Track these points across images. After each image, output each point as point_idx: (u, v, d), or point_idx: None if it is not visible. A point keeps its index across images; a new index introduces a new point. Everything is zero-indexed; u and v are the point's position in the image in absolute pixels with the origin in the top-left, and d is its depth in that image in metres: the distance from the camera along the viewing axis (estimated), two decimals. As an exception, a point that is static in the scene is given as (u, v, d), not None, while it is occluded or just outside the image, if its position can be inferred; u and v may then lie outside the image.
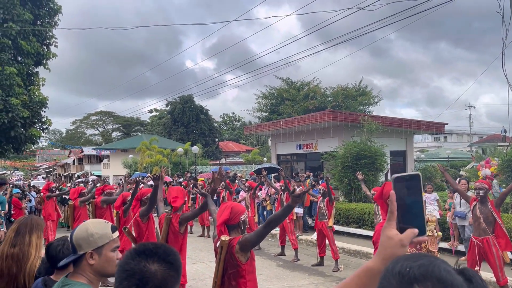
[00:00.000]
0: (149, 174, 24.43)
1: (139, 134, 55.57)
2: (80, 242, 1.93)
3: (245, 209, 3.62)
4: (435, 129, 18.59)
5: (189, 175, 20.44)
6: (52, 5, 15.87)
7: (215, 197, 9.78)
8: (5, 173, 45.71)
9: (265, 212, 13.93)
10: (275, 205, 12.33)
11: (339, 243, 9.96)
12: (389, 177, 10.61)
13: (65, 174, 53.63)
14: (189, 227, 11.48)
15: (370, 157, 13.29)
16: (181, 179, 19.15)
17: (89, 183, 21.47)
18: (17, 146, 15.45)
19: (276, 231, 11.15)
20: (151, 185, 5.66)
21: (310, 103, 29.29)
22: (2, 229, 8.68)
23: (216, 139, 46.85)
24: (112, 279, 1.59)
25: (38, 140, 17.14)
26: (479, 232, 6.25)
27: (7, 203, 9.92)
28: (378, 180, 13.93)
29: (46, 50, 16.00)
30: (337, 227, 10.97)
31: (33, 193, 16.89)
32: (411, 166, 17.82)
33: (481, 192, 6.27)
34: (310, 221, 13.39)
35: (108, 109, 69.94)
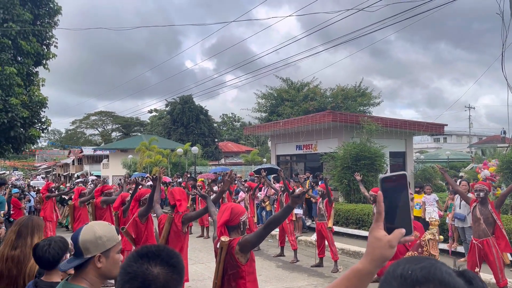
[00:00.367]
0: (148, 175, 24.46)
1: (139, 134, 55.56)
2: (88, 245, 1.89)
3: (245, 210, 3.63)
4: (435, 130, 18.59)
5: (188, 175, 20.43)
6: (52, 5, 15.87)
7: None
8: (4, 173, 45.71)
9: (264, 213, 13.93)
10: (275, 205, 12.33)
11: (339, 244, 9.96)
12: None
13: (64, 174, 53.62)
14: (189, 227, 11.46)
15: (370, 158, 13.29)
16: (180, 179, 19.16)
17: (89, 183, 21.48)
18: (16, 146, 15.44)
19: (276, 232, 11.14)
20: (151, 186, 5.67)
21: (310, 105, 29.29)
22: (2, 227, 8.67)
23: (216, 140, 46.85)
24: (111, 280, 1.60)
25: (38, 140, 17.14)
26: (479, 233, 6.24)
27: (6, 203, 9.93)
28: (377, 181, 13.86)
29: (46, 50, 16.00)
30: (336, 228, 10.97)
31: (33, 193, 16.88)
32: (411, 167, 17.82)
33: (482, 194, 6.26)
34: (309, 222, 13.39)
35: (108, 109, 69.91)
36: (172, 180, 19.51)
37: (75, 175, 43.35)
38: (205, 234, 13.25)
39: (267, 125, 19.81)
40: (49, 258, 2.40)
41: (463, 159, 31.94)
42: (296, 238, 10.17)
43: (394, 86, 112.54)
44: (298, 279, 8.22)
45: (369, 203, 10.65)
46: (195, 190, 11.97)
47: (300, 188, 12.97)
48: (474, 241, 6.32)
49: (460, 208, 8.90)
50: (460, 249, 9.23)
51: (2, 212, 8.86)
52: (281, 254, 10.20)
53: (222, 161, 42.49)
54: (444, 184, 20.24)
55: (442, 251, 9.40)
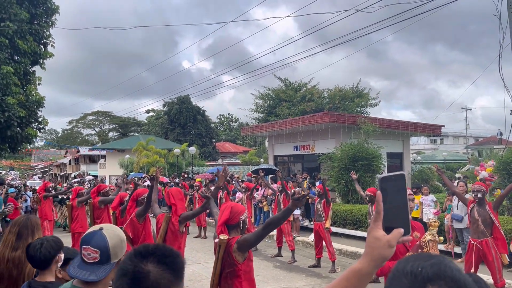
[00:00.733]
0: (145, 175, 24.39)
1: (136, 134, 55.45)
2: (117, 250, 1.86)
3: (245, 209, 3.65)
4: (432, 131, 18.64)
5: (186, 175, 20.41)
6: (49, 5, 15.81)
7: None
8: (0, 172, 45.51)
9: (262, 213, 13.93)
10: (272, 206, 12.34)
11: (336, 245, 9.97)
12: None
13: (61, 174, 53.45)
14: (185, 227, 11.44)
15: (367, 159, 13.31)
16: (177, 180, 19.14)
17: (86, 183, 21.40)
18: (13, 146, 15.36)
19: (273, 232, 11.13)
20: (148, 186, 5.66)
21: (308, 105, 29.29)
22: None
23: (213, 140, 46.82)
24: None
25: (34, 140, 17.06)
26: (478, 234, 6.26)
27: (3, 203, 9.86)
28: (374, 182, 13.94)
29: (43, 49, 15.94)
30: (334, 229, 10.97)
31: (29, 192, 16.81)
32: (408, 168, 17.86)
33: (479, 195, 6.27)
34: (306, 222, 13.40)
35: (105, 109, 69.59)
36: (170, 180, 19.49)
37: (72, 175, 43.21)
38: (202, 234, 13.24)
39: (264, 125, 19.80)
40: (41, 258, 2.39)
41: (459, 160, 32.05)
42: (293, 239, 10.18)
43: (391, 87, 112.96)
44: (296, 280, 8.22)
45: (366, 204, 10.66)
46: (200, 192, 11.97)
47: (298, 188, 13.00)
48: (472, 242, 6.32)
49: (457, 209, 8.91)
50: (457, 250, 9.25)
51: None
52: (279, 254, 10.21)
53: (220, 161, 42.45)
54: (441, 185, 20.30)
55: (442, 252, 9.44)
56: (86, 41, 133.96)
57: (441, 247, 9.37)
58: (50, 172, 59.82)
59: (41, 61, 15.87)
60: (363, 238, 10.67)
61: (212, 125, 51.01)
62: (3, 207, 9.05)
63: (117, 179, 24.75)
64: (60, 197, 14.20)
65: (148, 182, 17.72)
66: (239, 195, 13.05)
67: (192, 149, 25.56)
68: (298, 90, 32.27)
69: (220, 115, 65.53)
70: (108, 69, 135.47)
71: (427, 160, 30.09)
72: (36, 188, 17.00)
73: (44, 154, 71.11)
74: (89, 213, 8.32)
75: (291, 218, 10.67)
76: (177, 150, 26.92)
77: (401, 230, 1.09)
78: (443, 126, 19.01)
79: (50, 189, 11.03)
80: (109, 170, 39.07)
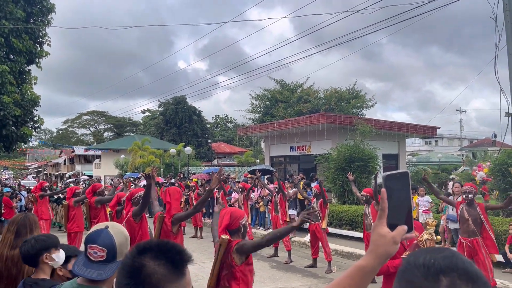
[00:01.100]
0: (141, 173, 24.26)
1: (131, 134, 55.26)
2: (123, 248, 1.85)
3: (244, 213, 3.73)
4: (428, 132, 18.74)
5: (181, 176, 20.38)
6: (45, 3, 15.73)
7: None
8: (-6, 172, 45.18)
9: (258, 214, 13.94)
10: (269, 206, 12.34)
11: (332, 245, 9.99)
12: (379, 179, 10.66)
13: (55, 174, 53.17)
14: (182, 228, 11.41)
15: (363, 160, 13.36)
16: (173, 180, 19.11)
17: (81, 183, 21.30)
18: (8, 145, 15.26)
19: (269, 232, 11.09)
20: (144, 185, 5.63)
21: (304, 106, 29.35)
22: None
23: (209, 141, 46.75)
24: None
25: (29, 139, 16.97)
26: (468, 233, 6.38)
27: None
28: (370, 182, 13.98)
29: (38, 48, 15.86)
30: (330, 229, 10.99)
31: (24, 192, 16.71)
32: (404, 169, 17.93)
33: (470, 196, 6.41)
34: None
35: (100, 109, 69.22)
36: (165, 180, 19.44)
37: (67, 175, 42.98)
38: (198, 234, 13.22)
39: (261, 126, 19.81)
40: (26, 255, 2.40)
41: (454, 162, 32.26)
42: (290, 239, 10.19)
43: (385, 89, 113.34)
44: (292, 280, 8.23)
45: (363, 204, 10.70)
46: (193, 192, 11.97)
47: (294, 189, 13.01)
48: (462, 240, 6.45)
49: (453, 210, 8.95)
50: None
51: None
52: (275, 254, 10.22)
53: (215, 162, 42.41)
54: (435, 186, 20.40)
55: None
56: (81, 41, 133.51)
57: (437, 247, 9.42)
58: (44, 172, 59.48)
59: (36, 60, 15.80)
60: (359, 239, 10.69)
61: (208, 125, 50.96)
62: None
63: (112, 179, 24.67)
64: (56, 196, 14.12)
65: (143, 182, 17.67)
66: (234, 195, 13.04)
67: (188, 150, 25.51)
68: (294, 91, 32.34)
69: (215, 115, 65.56)
70: (104, 69, 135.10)
71: (422, 162, 30.28)
72: (31, 187, 16.91)
73: (39, 153, 70.67)
74: (85, 213, 8.28)
75: (287, 219, 10.67)
76: (173, 151, 26.87)
77: (405, 227, 1.10)
78: (439, 127, 19.16)
79: (46, 188, 10.98)
80: (104, 170, 38.92)
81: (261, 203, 13.50)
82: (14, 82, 14.32)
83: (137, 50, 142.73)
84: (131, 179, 20.15)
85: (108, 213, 7.71)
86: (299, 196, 12.90)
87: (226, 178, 15.87)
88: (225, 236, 3.33)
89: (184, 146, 28.13)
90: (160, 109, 46.77)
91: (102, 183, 28.95)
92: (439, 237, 5.86)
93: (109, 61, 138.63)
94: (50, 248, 2.44)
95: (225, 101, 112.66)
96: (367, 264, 1.08)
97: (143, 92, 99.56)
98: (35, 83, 16.16)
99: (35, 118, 15.76)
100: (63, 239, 8.24)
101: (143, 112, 55.39)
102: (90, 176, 32.47)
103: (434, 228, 6.01)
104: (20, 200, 15.10)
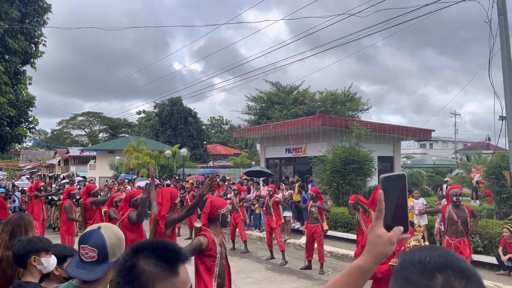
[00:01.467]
0: (135, 176, 24.21)
1: (126, 135, 55.10)
2: (115, 249, 1.86)
3: (225, 203, 3.80)
4: (423, 135, 18.83)
5: (177, 177, 20.33)
6: (41, 3, 15.68)
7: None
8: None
9: (253, 215, 13.94)
10: (264, 208, 12.33)
11: (327, 247, 10.02)
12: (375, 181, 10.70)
13: (49, 175, 52.87)
14: (176, 229, 11.38)
15: (359, 162, 13.39)
16: (168, 181, 19.05)
17: (75, 184, 21.19)
18: (2, 145, 15.19)
19: (263, 235, 11.11)
20: (139, 187, 5.61)
21: (299, 108, 29.41)
22: None
23: (204, 142, 46.69)
24: None
25: (24, 140, 16.88)
26: (457, 234, 6.65)
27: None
28: (366, 185, 14.04)
29: (34, 49, 15.79)
30: (325, 231, 11.03)
31: (17, 193, 16.59)
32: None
33: (460, 198, 6.71)
34: (298, 225, 13.43)
35: (95, 110, 69.09)
36: (160, 182, 19.39)
37: (61, 176, 42.74)
38: (193, 236, 13.17)
39: (257, 128, 19.81)
40: (21, 255, 2.39)
41: (448, 165, 32.43)
42: (284, 241, 10.18)
43: (380, 91, 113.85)
44: (287, 281, 8.24)
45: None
46: (188, 194, 11.92)
47: (290, 191, 13.03)
48: (450, 241, 6.67)
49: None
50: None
51: None
52: (272, 257, 10.19)
53: (211, 163, 42.36)
54: (430, 189, 20.54)
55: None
56: (77, 41, 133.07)
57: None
58: (38, 173, 59.11)
59: (32, 60, 15.73)
60: (354, 241, 10.72)
61: (203, 127, 50.91)
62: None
63: (106, 181, 24.57)
64: (50, 198, 14.05)
65: (139, 184, 17.63)
66: (230, 196, 13.02)
67: (184, 151, 25.47)
68: (290, 93, 32.41)
69: (211, 117, 65.51)
70: (99, 70, 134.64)
71: (417, 164, 30.39)
72: (25, 188, 16.80)
73: (33, 154, 70.26)
74: (80, 214, 8.23)
75: (283, 221, 10.68)
76: (168, 152, 26.80)
77: (401, 228, 1.13)
78: (434, 130, 19.24)
79: (42, 188, 10.93)
80: (99, 171, 38.78)
81: (256, 205, 13.51)
82: (9, 83, 14.26)
83: (133, 51, 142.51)
84: (126, 180, 20.12)
85: (103, 212, 7.67)
86: (295, 198, 12.92)
87: (222, 180, 15.86)
88: (198, 224, 3.60)
89: (180, 148, 28.09)
90: (155, 110, 46.68)
91: (96, 183, 28.84)
92: (427, 243, 5.95)
93: (105, 62, 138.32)
94: (40, 251, 2.41)
95: (221, 103, 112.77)
96: (364, 263, 1.10)
97: (139, 93, 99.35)
98: (30, 84, 16.10)
99: (30, 119, 15.71)
100: (57, 240, 8.20)
101: (139, 113, 55.27)
102: (84, 177, 32.33)
103: (422, 234, 6.12)
104: (14, 201, 14.99)
